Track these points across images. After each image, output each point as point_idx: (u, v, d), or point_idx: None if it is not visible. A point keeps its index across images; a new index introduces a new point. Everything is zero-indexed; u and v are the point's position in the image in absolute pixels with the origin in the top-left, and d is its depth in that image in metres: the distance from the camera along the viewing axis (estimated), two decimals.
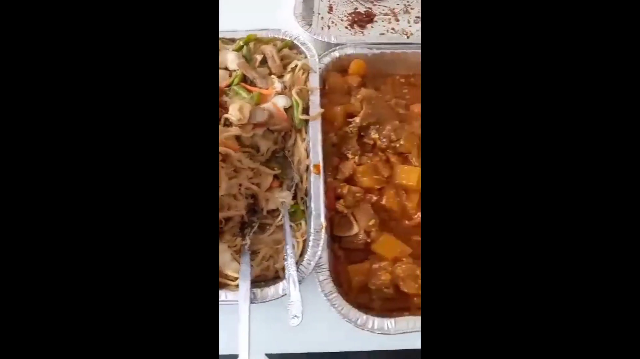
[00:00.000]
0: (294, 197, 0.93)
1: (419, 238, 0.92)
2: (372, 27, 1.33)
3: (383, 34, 1.29)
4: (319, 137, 0.95)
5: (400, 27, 1.32)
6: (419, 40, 1.16)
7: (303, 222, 0.90)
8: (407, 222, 0.94)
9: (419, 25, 1.33)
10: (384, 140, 0.99)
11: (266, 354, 0.95)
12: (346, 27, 1.32)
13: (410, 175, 0.96)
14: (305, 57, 1.10)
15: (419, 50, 1.14)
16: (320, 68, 1.08)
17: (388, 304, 0.84)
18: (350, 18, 1.34)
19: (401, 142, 0.98)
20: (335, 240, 0.91)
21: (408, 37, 1.15)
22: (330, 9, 1.37)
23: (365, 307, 0.83)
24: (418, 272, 0.83)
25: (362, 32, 1.30)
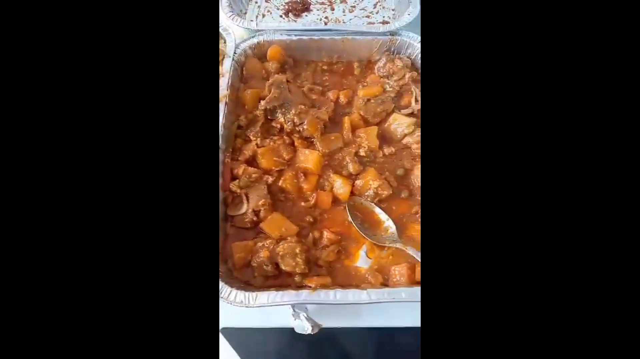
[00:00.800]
0: None
1: (312, 219, 0.93)
2: (306, 15, 1.34)
3: (316, 22, 1.31)
4: (220, 118, 0.97)
5: (335, 16, 1.33)
6: (339, 27, 1.17)
7: None
8: (302, 203, 0.95)
9: (352, 15, 1.34)
10: (289, 123, 1.00)
11: None
12: (280, 16, 1.34)
13: (309, 158, 0.97)
14: (225, 42, 1.12)
15: (339, 37, 1.15)
16: (236, 53, 1.10)
17: (269, 282, 0.86)
18: (286, 7, 1.36)
19: (305, 126, 0.99)
20: (228, 219, 0.93)
21: (326, 24, 1.15)
22: None
23: (248, 283, 0.86)
24: (297, 250, 0.84)
25: (295, 21, 1.32)
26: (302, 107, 1.01)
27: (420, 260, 0.82)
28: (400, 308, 0.88)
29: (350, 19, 1.32)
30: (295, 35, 1.14)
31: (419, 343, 0.97)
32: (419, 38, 1.15)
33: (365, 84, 1.15)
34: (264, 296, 0.76)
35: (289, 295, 0.76)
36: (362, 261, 0.90)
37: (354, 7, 1.36)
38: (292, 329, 0.79)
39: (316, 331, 0.78)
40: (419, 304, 0.76)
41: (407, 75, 1.11)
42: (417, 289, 0.77)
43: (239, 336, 0.91)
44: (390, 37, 1.15)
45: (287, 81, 1.07)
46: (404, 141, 1.04)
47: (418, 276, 0.84)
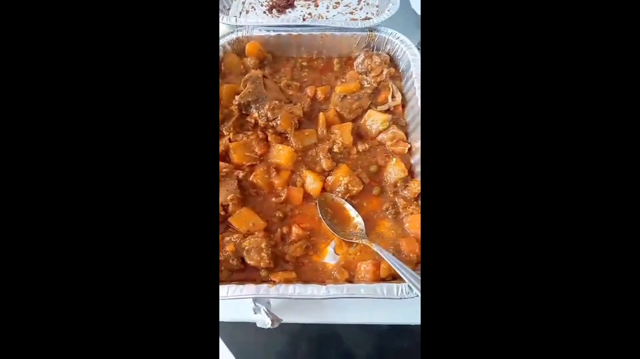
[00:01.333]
0: None
1: (282, 214, 0.93)
2: (290, 11, 1.34)
3: (305, 18, 1.30)
4: None
5: (318, 12, 1.33)
6: (316, 23, 1.16)
7: None
8: (273, 199, 0.96)
9: (336, 11, 1.34)
10: (263, 119, 1.01)
11: None
12: (264, 12, 1.34)
13: (281, 153, 0.97)
14: None
15: (317, 33, 1.15)
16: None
17: (235, 276, 0.86)
18: (270, 3, 1.36)
19: (278, 121, 1.00)
20: None
21: (304, 20, 1.15)
22: None
23: None
24: (263, 245, 0.85)
25: (278, 17, 1.32)
26: (276, 102, 1.01)
27: (385, 258, 0.82)
28: (368, 304, 0.88)
29: (334, 15, 1.32)
30: (274, 31, 1.14)
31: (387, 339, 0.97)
32: (398, 34, 1.14)
33: (343, 80, 1.15)
34: (223, 289, 0.76)
35: (249, 289, 0.76)
36: (330, 256, 0.90)
37: (338, 3, 1.36)
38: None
39: (276, 325, 0.79)
40: (382, 301, 0.77)
41: (385, 72, 1.11)
42: (376, 286, 0.77)
43: (231, 331, 0.92)
44: (369, 33, 1.15)
45: (264, 77, 1.07)
46: (379, 137, 1.04)
47: (383, 273, 0.83)
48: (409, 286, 0.76)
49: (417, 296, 0.74)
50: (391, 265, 0.79)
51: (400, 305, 0.79)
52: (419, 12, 1.26)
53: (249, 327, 0.89)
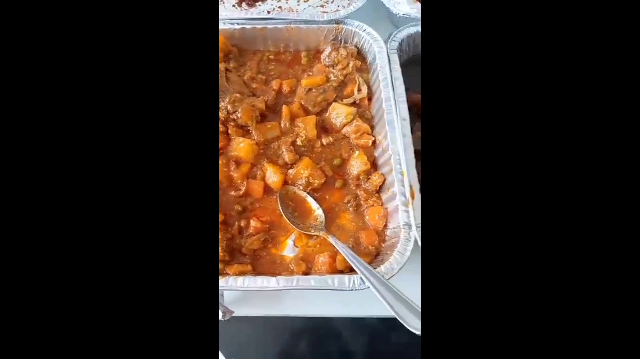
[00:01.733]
0: None
1: (241, 208, 0.92)
2: (260, 4, 1.33)
3: (270, 11, 1.29)
4: None
5: (289, 6, 1.32)
6: (280, 16, 1.15)
7: None
8: (232, 192, 0.94)
9: (307, 4, 1.32)
10: (223, 112, 1.00)
11: None
12: (233, 6, 1.33)
13: (240, 147, 0.96)
14: None
15: (282, 26, 1.14)
16: None
17: None
18: None
19: (239, 114, 0.98)
20: None
21: (269, 13, 1.14)
22: None
23: None
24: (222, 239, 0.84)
25: (248, 10, 1.31)
26: (237, 95, 1.00)
27: (340, 249, 0.81)
28: (327, 296, 0.88)
29: (305, 9, 1.30)
30: (238, 24, 1.13)
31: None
32: (365, 26, 1.13)
33: (310, 73, 1.14)
34: None
35: None
36: (289, 249, 0.89)
37: None
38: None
39: (228, 317, 0.78)
40: (350, 294, 0.75)
41: (351, 64, 1.10)
42: (327, 278, 0.76)
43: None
44: (335, 25, 1.14)
45: (227, 70, 1.06)
46: (343, 130, 1.03)
47: (339, 265, 0.83)
48: (361, 278, 0.75)
49: (368, 287, 0.73)
50: (345, 257, 0.78)
51: (367, 298, 0.77)
52: (387, 4, 1.25)
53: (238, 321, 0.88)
